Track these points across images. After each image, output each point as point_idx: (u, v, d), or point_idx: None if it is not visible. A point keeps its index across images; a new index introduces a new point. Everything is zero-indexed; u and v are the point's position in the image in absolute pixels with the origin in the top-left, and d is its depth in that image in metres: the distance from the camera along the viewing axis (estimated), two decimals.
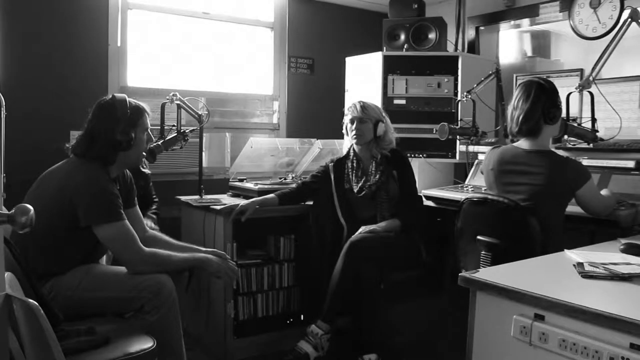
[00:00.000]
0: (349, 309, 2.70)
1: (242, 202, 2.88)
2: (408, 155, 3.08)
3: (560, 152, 2.58)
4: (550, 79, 3.15)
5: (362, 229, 2.73)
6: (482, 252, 2.24)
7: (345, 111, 2.97)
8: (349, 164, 2.95)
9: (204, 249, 2.37)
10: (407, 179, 2.91)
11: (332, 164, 2.99)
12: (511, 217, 2.17)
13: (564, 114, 2.51)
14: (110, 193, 2.05)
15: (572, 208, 2.26)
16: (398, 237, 2.76)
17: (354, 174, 2.92)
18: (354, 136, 2.87)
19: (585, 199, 2.20)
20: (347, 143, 3.04)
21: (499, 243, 2.19)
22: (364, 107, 2.88)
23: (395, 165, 2.89)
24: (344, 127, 2.96)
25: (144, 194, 2.84)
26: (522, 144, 2.31)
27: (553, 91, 2.27)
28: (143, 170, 2.89)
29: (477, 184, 2.99)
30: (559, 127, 2.38)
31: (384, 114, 2.95)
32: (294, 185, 3.07)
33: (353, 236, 2.69)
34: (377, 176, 2.86)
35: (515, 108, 2.29)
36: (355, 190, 2.89)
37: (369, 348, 2.62)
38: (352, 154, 2.96)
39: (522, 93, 2.28)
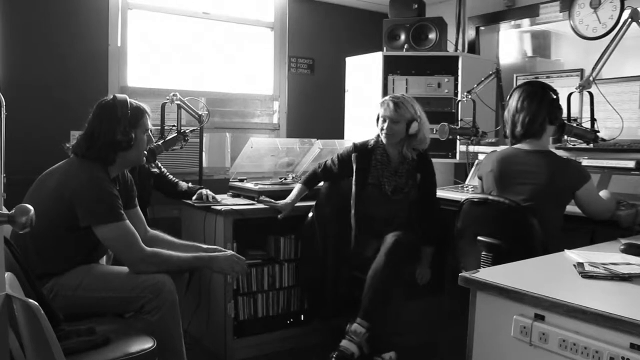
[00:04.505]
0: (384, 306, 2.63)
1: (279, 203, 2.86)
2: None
3: (561, 153, 2.59)
4: (550, 79, 3.19)
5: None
6: (483, 253, 2.23)
7: (379, 105, 2.78)
8: (377, 158, 2.81)
9: (205, 246, 2.38)
10: (432, 186, 2.85)
11: (355, 154, 2.83)
12: (512, 217, 2.17)
13: (564, 115, 2.51)
14: (109, 193, 2.05)
15: (573, 208, 2.26)
16: (412, 237, 2.76)
17: (385, 171, 2.79)
18: (385, 135, 2.75)
19: (584, 200, 2.20)
20: (372, 134, 2.88)
21: (499, 244, 2.19)
22: (398, 105, 2.69)
23: (421, 170, 2.81)
24: (376, 118, 2.79)
25: (149, 192, 2.89)
26: (522, 145, 2.31)
27: (554, 92, 2.28)
28: (152, 170, 2.97)
29: (477, 184, 2.99)
30: (556, 128, 2.39)
31: (419, 112, 2.77)
32: (313, 170, 3.02)
33: (393, 233, 2.62)
34: (408, 179, 2.78)
35: (518, 111, 2.27)
36: (390, 190, 2.77)
37: (388, 346, 2.60)
38: (380, 148, 2.82)
39: (525, 95, 2.27)
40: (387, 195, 2.81)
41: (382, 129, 2.76)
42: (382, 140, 2.80)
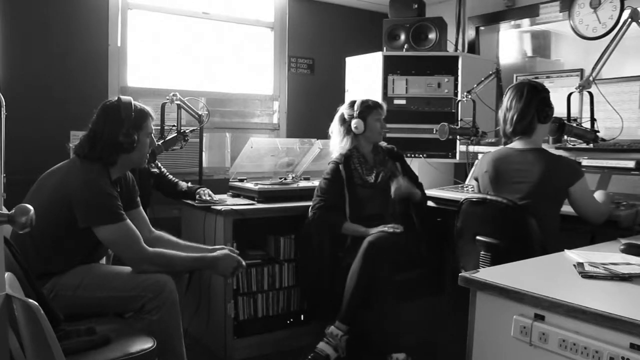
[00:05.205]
0: (367, 308, 2.67)
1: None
2: (408, 155, 3.11)
3: (561, 153, 2.59)
4: (550, 79, 3.19)
5: (382, 227, 2.69)
6: (481, 252, 2.24)
7: (363, 109, 2.89)
8: (355, 161, 2.93)
9: (210, 247, 2.38)
10: (410, 169, 3.06)
11: (341, 165, 2.91)
12: (510, 216, 2.17)
13: (564, 115, 2.52)
14: (108, 195, 2.04)
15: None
16: (406, 237, 2.76)
17: (364, 169, 2.92)
18: (382, 134, 2.96)
19: (577, 198, 2.20)
20: (345, 143, 2.96)
21: (498, 243, 2.20)
22: None
23: (397, 158, 3.01)
24: (353, 126, 2.88)
25: (149, 192, 2.90)
26: (515, 144, 2.33)
27: (545, 91, 2.30)
28: (152, 170, 2.97)
29: (474, 185, 3.00)
30: (551, 127, 2.39)
31: None
32: (321, 208, 2.85)
33: (370, 236, 2.65)
34: (385, 163, 2.96)
35: (508, 109, 2.31)
36: (372, 181, 2.89)
37: (394, 347, 2.61)
38: (354, 152, 2.95)
39: (515, 94, 2.30)
40: (373, 186, 2.88)
41: (379, 129, 2.93)
42: (356, 147, 2.94)
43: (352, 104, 2.95)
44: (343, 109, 2.99)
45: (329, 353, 2.56)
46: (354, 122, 2.90)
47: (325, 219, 2.83)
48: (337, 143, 2.99)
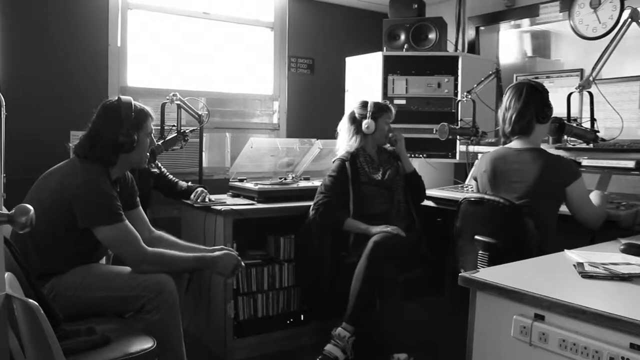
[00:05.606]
0: (371, 309, 2.67)
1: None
2: (409, 155, 3.11)
3: (561, 153, 2.59)
4: (550, 79, 3.19)
5: (384, 227, 2.70)
6: (479, 252, 2.24)
7: (376, 110, 2.92)
8: (361, 160, 2.94)
9: (210, 248, 2.37)
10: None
11: (347, 161, 2.92)
12: (507, 216, 2.18)
13: (564, 115, 2.52)
14: (108, 195, 2.04)
15: None
16: (409, 236, 2.77)
17: (370, 167, 2.94)
18: (387, 137, 2.98)
19: (573, 199, 2.20)
20: (353, 141, 2.96)
21: (495, 243, 2.20)
22: None
23: (398, 159, 3.03)
24: (364, 126, 2.89)
25: (149, 192, 2.90)
26: (514, 144, 2.34)
27: (544, 91, 2.31)
28: (152, 170, 2.98)
29: (473, 185, 3.00)
30: (551, 127, 2.39)
31: None
32: (326, 205, 2.85)
33: (375, 236, 2.65)
34: (392, 162, 3.00)
35: (507, 109, 2.31)
36: (379, 178, 2.91)
37: (396, 347, 2.61)
38: (361, 151, 2.96)
39: (514, 94, 2.31)
40: (379, 184, 2.89)
41: (387, 132, 2.96)
42: (363, 147, 2.95)
43: (365, 104, 2.94)
44: (354, 108, 2.99)
45: (337, 355, 2.54)
46: (365, 122, 2.90)
47: (329, 215, 2.84)
48: (344, 141, 2.99)
